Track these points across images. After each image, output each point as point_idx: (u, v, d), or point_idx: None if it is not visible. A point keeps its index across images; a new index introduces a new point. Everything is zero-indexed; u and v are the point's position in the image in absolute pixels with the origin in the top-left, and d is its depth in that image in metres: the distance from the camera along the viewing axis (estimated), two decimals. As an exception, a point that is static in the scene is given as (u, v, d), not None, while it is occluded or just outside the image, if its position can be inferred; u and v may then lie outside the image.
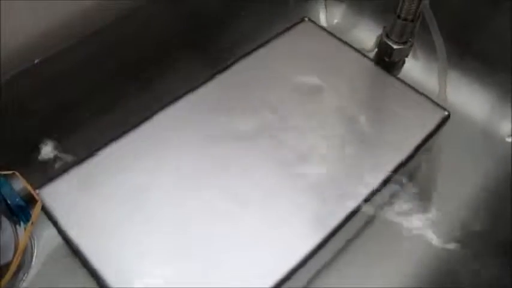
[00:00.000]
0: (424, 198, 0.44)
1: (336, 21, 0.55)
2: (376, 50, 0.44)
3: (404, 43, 0.42)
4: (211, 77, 0.42)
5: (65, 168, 0.37)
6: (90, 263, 0.32)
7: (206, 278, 0.32)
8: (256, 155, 0.37)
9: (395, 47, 0.42)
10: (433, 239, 0.42)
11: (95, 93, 0.45)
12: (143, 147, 0.38)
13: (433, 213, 0.44)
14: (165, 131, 0.39)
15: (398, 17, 0.41)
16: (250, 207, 0.35)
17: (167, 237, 0.34)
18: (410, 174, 0.44)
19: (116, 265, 0.32)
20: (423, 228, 0.43)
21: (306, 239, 0.34)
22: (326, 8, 0.54)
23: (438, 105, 0.41)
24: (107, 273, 0.32)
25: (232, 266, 0.33)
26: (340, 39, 0.45)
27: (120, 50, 0.46)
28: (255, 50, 0.44)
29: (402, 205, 0.44)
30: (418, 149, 0.38)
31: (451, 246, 0.42)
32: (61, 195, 0.35)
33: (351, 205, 0.35)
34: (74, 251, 0.33)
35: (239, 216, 0.35)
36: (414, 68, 0.50)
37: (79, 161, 0.37)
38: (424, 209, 0.44)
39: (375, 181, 0.36)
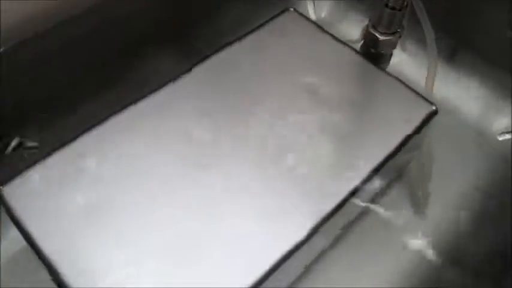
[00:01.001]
0: (411, 197, 0.42)
1: (324, 14, 0.53)
2: (362, 41, 0.42)
3: (392, 34, 0.40)
4: (189, 69, 0.40)
5: (29, 164, 0.34)
6: (50, 262, 0.30)
7: (177, 277, 0.30)
8: (236, 150, 0.35)
9: (381, 38, 0.40)
10: (421, 239, 0.40)
11: (69, 85, 0.43)
12: (112, 141, 0.35)
13: (421, 213, 0.42)
14: (138, 124, 0.36)
15: (386, 5, 0.39)
16: (225, 204, 0.33)
17: (136, 236, 0.31)
18: (397, 172, 0.42)
19: (78, 265, 0.30)
20: (411, 229, 0.41)
21: (288, 237, 0.32)
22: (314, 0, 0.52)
23: (425, 99, 0.39)
24: (68, 274, 0.30)
25: (208, 264, 0.31)
26: (324, 30, 0.43)
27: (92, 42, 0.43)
28: (235, 41, 0.41)
29: (389, 204, 0.42)
30: (403, 145, 0.36)
31: (440, 246, 0.40)
32: (24, 193, 0.33)
33: (330, 203, 0.33)
34: (35, 251, 0.31)
35: (216, 212, 0.32)
36: (403, 61, 0.48)
37: (44, 155, 0.35)
38: (412, 208, 0.42)
39: (356, 178, 0.34)
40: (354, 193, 0.34)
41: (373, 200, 0.41)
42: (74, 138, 0.36)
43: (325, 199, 0.33)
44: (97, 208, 0.32)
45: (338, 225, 0.38)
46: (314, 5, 0.52)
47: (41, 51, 0.40)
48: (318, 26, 0.43)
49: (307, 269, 0.38)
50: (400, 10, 0.39)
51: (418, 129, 0.37)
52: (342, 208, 0.33)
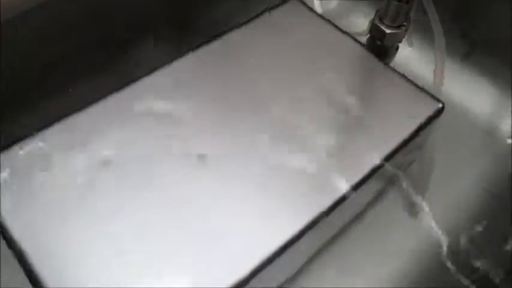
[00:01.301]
0: (414, 198, 0.41)
1: (332, 6, 0.52)
2: (368, 34, 0.40)
3: (398, 27, 0.38)
4: (185, 52, 0.38)
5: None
6: (28, 262, 0.28)
7: (159, 278, 0.28)
8: (232, 140, 0.34)
9: (388, 31, 0.38)
10: (422, 241, 0.39)
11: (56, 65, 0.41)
12: (96, 128, 0.34)
13: (423, 214, 0.40)
14: (128, 109, 0.35)
15: (393, -3, 0.37)
16: (216, 198, 0.31)
17: (117, 235, 0.30)
18: (401, 170, 0.41)
19: (54, 266, 0.28)
20: (412, 229, 0.40)
21: (280, 232, 0.30)
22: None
23: (432, 96, 0.37)
24: (44, 274, 0.28)
25: (193, 262, 0.29)
26: (329, 22, 0.41)
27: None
28: (233, 28, 0.40)
29: (390, 203, 0.40)
30: (406, 142, 0.35)
31: (444, 245, 0.38)
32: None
33: (329, 199, 0.32)
34: (13, 250, 0.29)
35: (204, 207, 0.31)
36: (409, 55, 0.46)
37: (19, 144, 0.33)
38: (415, 209, 0.41)
39: (356, 175, 0.33)
40: (349, 192, 0.32)
41: (371, 199, 0.40)
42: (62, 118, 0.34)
43: (318, 197, 0.32)
44: (79, 204, 0.31)
45: (333, 225, 0.37)
46: (321, -3, 0.50)
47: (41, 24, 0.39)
48: (322, 17, 0.42)
49: (301, 269, 0.37)
50: (407, 3, 0.37)
51: (423, 127, 0.35)
52: (336, 207, 0.32)
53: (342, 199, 0.32)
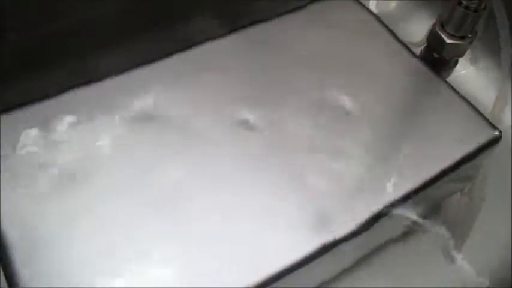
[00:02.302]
0: (452, 236, 0.36)
1: (389, 8, 0.47)
2: (425, 43, 0.36)
3: (461, 38, 0.34)
4: (228, 32, 0.35)
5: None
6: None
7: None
8: (259, 143, 0.30)
9: (448, 40, 0.33)
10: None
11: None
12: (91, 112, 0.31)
13: (460, 256, 0.35)
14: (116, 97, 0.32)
15: (459, 3, 0.32)
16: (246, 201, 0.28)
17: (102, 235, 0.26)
18: (441, 201, 0.36)
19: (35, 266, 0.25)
20: (445, 273, 0.34)
21: (300, 245, 0.27)
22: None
23: (488, 122, 0.32)
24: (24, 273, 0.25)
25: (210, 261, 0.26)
26: (383, 25, 0.37)
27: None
28: (274, 16, 0.36)
29: (421, 239, 0.36)
30: (451, 169, 0.30)
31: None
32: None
33: (344, 225, 0.27)
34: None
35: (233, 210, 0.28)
36: (470, 74, 0.41)
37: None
38: (451, 248, 0.36)
39: (381, 202, 0.28)
40: (375, 218, 0.28)
41: (402, 229, 0.35)
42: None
43: (340, 219, 0.28)
44: (70, 198, 0.27)
45: (357, 247, 0.32)
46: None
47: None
48: (376, 18, 0.37)
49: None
50: (475, 11, 0.32)
51: (472, 155, 0.30)
52: (357, 232, 0.27)
53: (376, 218, 0.28)
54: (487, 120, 0.32)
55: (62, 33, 0.38)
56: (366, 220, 0.28)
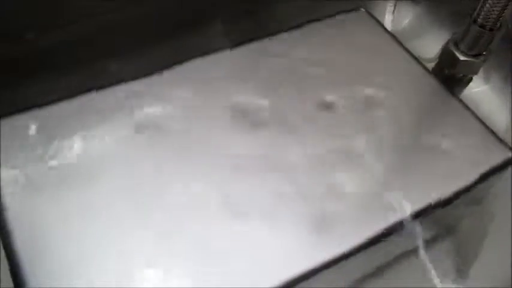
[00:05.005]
0: (460, 260, 0.35)
1: (403, 25, 0.47)
2: (438, 59, 0.35)
3: (475, 56, 0.33)
4: (238, 44, 0.35)
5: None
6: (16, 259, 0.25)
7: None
8: (279, 151, 0.30)
9: (462, 58, 0.33)
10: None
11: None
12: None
13: (469, 275, 0.34)
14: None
15: (474, 21, 0.32)
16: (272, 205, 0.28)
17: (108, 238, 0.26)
18: (449, 225, 0.35)
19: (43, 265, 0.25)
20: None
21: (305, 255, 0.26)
22: (395, 7, 0.46)
23: (502, 142, 0.31)
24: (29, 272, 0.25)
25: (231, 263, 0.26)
26: (396, 40, 0.36)
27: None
28: (293, 28, 0.36)
29: (427, 263, 0.35)
30: (461, 193, 0.29)
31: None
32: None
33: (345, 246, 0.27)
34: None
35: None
36: (484, 92, 0.40)
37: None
38: (458, 274, 0.35)
39: (385, 221, 0.28)
40: (384, 235, 0.27)
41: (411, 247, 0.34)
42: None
43: (349, 234, 0.27)
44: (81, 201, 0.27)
45: (364, 263, 0.31)
46: (394, 12, 0.45)
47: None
48: (389, 33, 0.37)
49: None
50: (490, 30, 0.32)
51: (484, 177, 0.30)
52: (360, 254, 0.27)
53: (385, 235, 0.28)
54: (500, 140, 0.31)
55: (74, 39, 0.38)
56: (374, 236, 0.27)
